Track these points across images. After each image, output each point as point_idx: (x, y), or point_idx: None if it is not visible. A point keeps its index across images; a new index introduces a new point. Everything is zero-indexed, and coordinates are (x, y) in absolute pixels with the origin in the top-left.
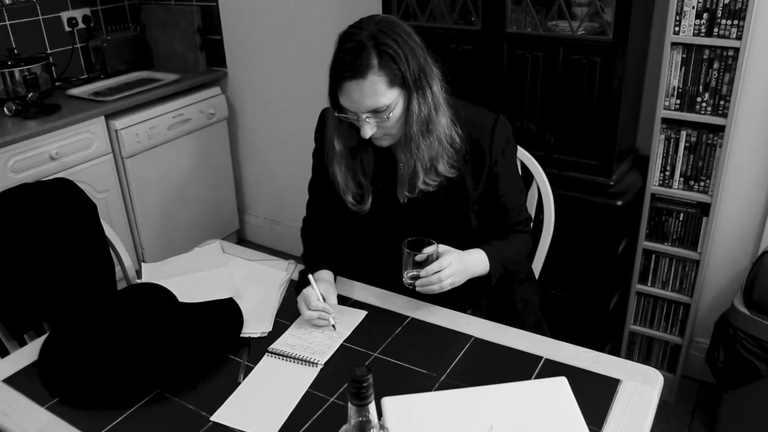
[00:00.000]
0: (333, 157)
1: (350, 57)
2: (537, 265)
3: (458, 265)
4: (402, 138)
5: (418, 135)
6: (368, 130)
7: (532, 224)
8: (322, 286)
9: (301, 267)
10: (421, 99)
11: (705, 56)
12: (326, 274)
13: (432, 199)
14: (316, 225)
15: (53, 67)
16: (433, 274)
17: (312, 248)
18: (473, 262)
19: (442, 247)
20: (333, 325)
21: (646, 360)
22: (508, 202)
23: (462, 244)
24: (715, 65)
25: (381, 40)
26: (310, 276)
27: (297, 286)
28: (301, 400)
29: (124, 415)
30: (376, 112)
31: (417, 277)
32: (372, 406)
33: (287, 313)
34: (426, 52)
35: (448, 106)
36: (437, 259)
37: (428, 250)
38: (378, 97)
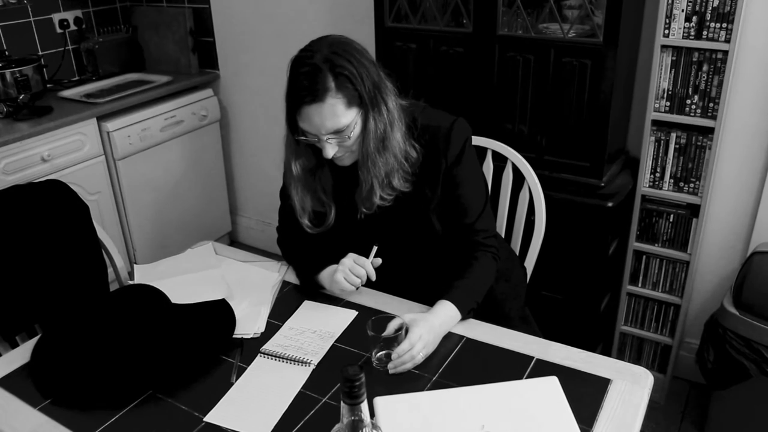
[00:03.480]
0: (290, 182)
1: (307, 81)
2: (528, 267)
3: (428, 335)
4: (360, 156)
5: (375, 152)
6: (330, 151)
7: (496, 243)
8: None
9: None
10: (377, 116)
11: (694, 59)
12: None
13: (392, 207)
14: (294, 233)
15: (45, 69)
16: (405, 353)
17: (305, 254)
18: (443, 325)
19: (408, 317)
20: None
21: (636, 360)
22: (467, 203)
23: (429, 250)
24: (704, 68)
25: (336, 62)
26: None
27: (302, 287)
28: (293, 400)
29: (117, 416)
30: (337, 132)
31: (386, 357)
32: (364, 405)
33: (279, 314)
34: (378, 68)
35: (404, 115)
36: (405, 333)
37: (393, 325)
38: (338, 118)
